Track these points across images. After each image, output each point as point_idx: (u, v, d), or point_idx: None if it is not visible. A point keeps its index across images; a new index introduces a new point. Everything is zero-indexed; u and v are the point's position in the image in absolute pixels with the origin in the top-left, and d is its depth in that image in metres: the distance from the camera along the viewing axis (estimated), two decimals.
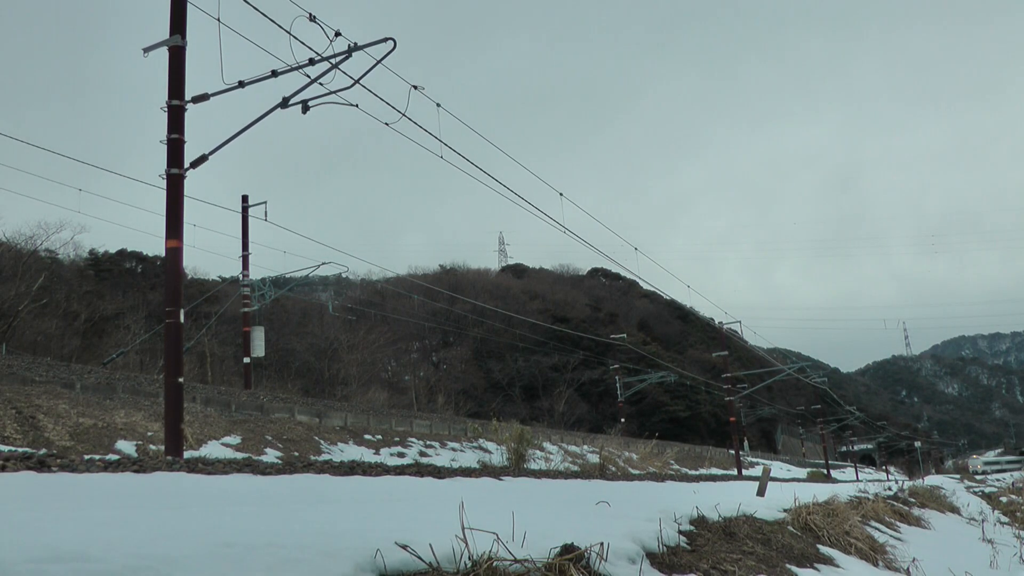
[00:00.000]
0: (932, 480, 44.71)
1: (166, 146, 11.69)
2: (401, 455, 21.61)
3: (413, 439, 24.33)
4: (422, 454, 22.74)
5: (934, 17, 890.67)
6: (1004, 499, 28.88)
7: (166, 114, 11.77)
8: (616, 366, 53.36)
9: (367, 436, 22.71)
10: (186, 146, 11.81)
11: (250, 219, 28.02)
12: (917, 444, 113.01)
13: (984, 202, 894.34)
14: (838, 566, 6.45)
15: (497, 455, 23.12)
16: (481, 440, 27.22)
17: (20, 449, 9.91)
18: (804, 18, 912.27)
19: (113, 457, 9.73)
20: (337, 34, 13.25)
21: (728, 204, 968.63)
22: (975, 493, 32.96)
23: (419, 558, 3.10)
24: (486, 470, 12.04)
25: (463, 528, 3.33)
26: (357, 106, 13.83)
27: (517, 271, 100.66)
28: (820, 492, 12.10)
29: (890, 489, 19.78)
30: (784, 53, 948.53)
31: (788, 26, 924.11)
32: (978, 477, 77.13)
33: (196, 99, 12.49)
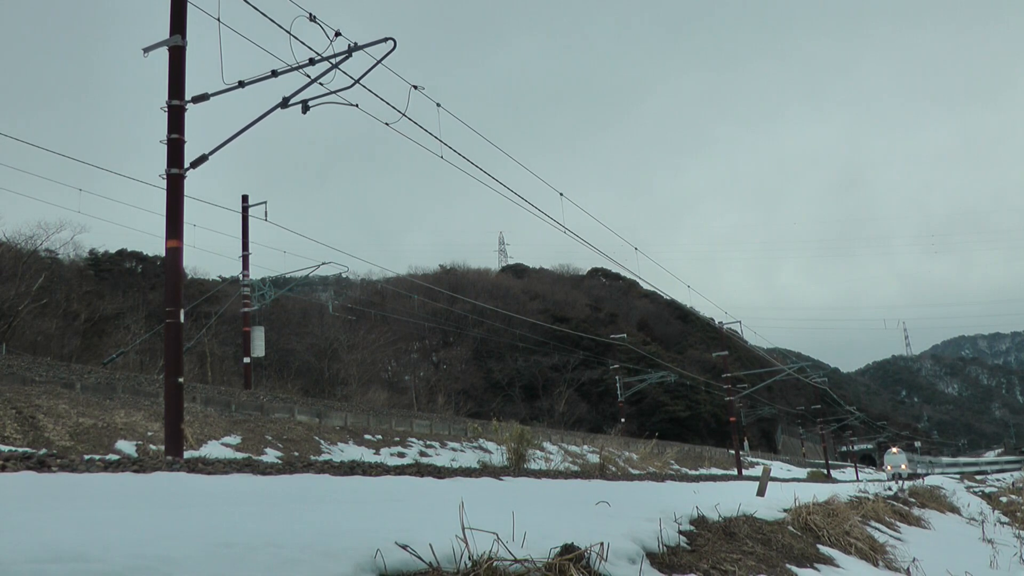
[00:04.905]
0: (932, 480, 44.74)
1: (166, 146, 11.70)
2: (401, 455, 21.61)
3: (413, 439, 24.33)
4: (422, 454, 22.74)
5: (940, 17, 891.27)
6: (1004, 499, 28.89)
7: (166, 114, 11.78)
8: (616, 366, 53.37)
9: (367, 436, 22.71)
10: (186, 146, 11.83)
11: (250, 219, 28.05)
12: (917, 444, 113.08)
13: (988, 202, 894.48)
14: (838, 566, 6.44)
15: (497, 455, 23.13)
16: (481, 440, 27.23)
17: (20, 449, 9.90)
18: (810, 18, 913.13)
19: (113, 457, 9.72)
20: (337, 34, 13.25)
21: (734, 204, 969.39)
22: (975, 493, 33.02)
23: (419, 558, 3.09)
24: (486, 470, 12.05)
25: (463, 528, 3.33)
26: (357, 106, 13.84)
27: (517, 271, 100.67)
28: (820, 492, 12.09)
29: (890, 489, 19.80)
30: (790, 53, 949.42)
31: (794, 26, 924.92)
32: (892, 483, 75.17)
33: (196, 99, 12.49)
